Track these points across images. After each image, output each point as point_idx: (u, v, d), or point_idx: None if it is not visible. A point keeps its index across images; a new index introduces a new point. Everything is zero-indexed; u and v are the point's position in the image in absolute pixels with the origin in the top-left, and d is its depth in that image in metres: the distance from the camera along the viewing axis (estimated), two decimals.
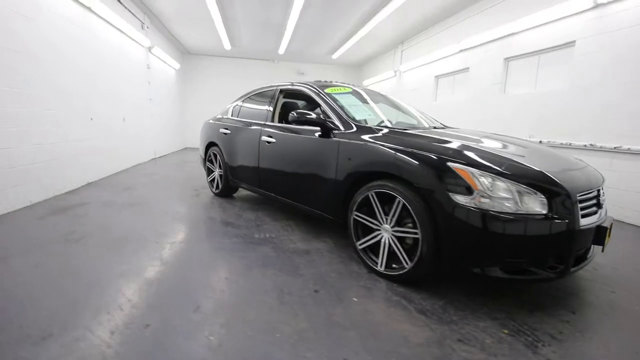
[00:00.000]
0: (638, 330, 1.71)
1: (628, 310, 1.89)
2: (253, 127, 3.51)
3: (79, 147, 4.52)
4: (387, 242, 2.12)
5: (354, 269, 2.29)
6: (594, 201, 1.91)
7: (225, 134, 3.96)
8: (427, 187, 1.86)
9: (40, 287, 1.89)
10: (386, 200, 2.11)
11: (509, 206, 1.67)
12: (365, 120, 2.62)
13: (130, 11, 6.32)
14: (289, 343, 1.48)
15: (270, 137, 3.17)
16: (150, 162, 7.44)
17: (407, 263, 1.99)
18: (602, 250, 1.95)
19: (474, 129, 4.14)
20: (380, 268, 2.15)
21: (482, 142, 2.21)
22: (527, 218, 1.65)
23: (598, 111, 3.97)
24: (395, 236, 2.06)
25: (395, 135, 2.24)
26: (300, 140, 2.84)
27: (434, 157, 1.88)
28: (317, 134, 2.63)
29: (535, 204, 1.68)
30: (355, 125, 2.47)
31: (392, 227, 2.07)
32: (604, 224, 1.81)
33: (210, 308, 1.73)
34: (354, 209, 2.29)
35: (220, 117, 4.35)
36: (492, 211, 1.67)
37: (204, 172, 5.09)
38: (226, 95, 11.55)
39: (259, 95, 3.85)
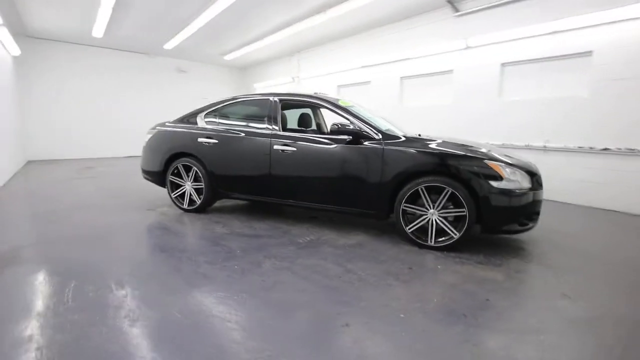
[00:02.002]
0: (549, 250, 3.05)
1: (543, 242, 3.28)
2: (258, 137, 3.48)
3: None
4: (433, 222, 2.83)
5: (409, 248, 2.88)
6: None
7: (209, 144, 3.67)
8: (471, 178, 2.68)
9: None
10: (430, 192, 2.80)
11: (517, 185, 2.67)
12: (388, 130, 3.21)
13: None
14: (434, 301, 1.98)
15: (287, 146, 3.30)
16: None
17: (455, 234, 2.76)
18: None
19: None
20: (431, 242, 2.84)
21: (482, 147, 3.18)
22: (525, 192, 2.70)
23: (468, 120, 5.87)
24: (442, 216, 2.80)
25: (428, 141, 2.96)
26: (330, 149, 3.17)
27: (475, 157, 2.72)
28: (338, 143, 3.07)
29: (526, 183, 2.75)
30: (388, 134, 3.04)
31: (439, 210, 2.80)
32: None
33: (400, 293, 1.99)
34: (403, 201, 2.89)
35: (187, 125, 3.92)
36: (511, 189, 2.64)
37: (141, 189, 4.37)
38: (87, 95, 9.40)
39: (248, 104, 3.79)
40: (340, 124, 3.05)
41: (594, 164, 4.56)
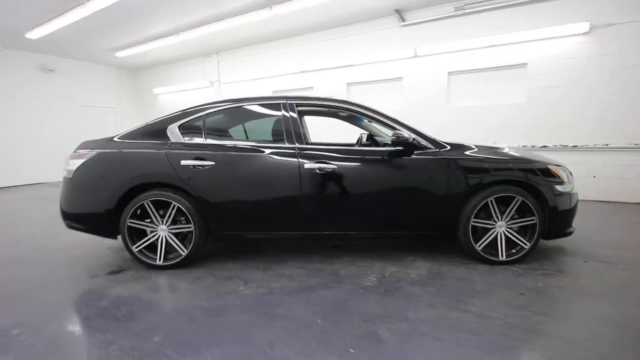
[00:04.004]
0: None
1: None
2: (277, 155, 2.60)
3: None
4: (502, 235, 2.63)
5: (483, 267, 2.58)
6: None
7: (201, 167, 2.56)
8: (540, 184, 2.58)
9: None
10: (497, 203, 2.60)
11: (571, 187, 2.72)
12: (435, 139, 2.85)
13: None
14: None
15: (323, 163, 2.57)
16: None
17: (525, 244, 2.62)
18: None
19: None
20: (503, 257, 2.62)
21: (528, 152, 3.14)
22: (575, 192, 2.77)
23: (419, 125, 6.12)
24: (510, 227, 2.62)
25: (494, 149, 2.77)
26: (381, 164, 2.62)
27: (540, 162, 2.64)
28: (390, 156, 2.62)
29: (574, 183, 2.83)
30: (443, 143, 2.70)
31: (507, 221, 2.61)
32: None
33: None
34: (472, 216, 2.58)
35: (154, 143, 2.66)
36: (569, 192, 2.67)
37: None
38: None
39: (249, 111, 2.84)
40: (399, 135, 2.54)
41: None
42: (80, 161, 2.66)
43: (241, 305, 2.09)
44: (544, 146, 5.16)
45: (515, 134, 5.36)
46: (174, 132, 2.72)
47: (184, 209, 2.57)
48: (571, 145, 5.00)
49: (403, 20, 5.96)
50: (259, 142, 2.76)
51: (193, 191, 2.57)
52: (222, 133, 2.85)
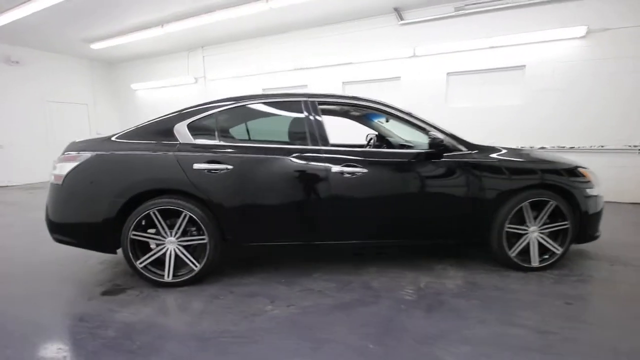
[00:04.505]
0: None
1: None
2: (300, 159, 2.36)
3: None
4: (535, 241, 2.54)
5: (517, 275, 2.47)
6: None
7: (217, 172, 2.27)
8: (572, 187, 2.51)
9: None
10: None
11: (599, 190, 2.67)
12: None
13: None
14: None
15: (354, 167, 2.36)
16: None
17: (557, 249, 2.54)
18: None
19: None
20: (536, 263, 2.53)
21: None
22: (602, 195, 2.73)
23: None
24: (542, 232, 2.54)
25: (520, 151, 2.70)
26: (415, 167, 2.46)
27: (571, 165, 2.58)
28: (420, 159, 2.47)
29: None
30: (474, 144, 2.57)
31: (540, 226, 2.53)
32: None
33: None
34: (507, 222, 2.47)
35: (161, 145, 2.33)
36: (597, 195, 2.62)
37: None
38: None
39: (266, 109, 2.57)
40: (434, 137, 2.38)
41: None
42: (71, 165, 2.30)
43: (275, 329, 1.84)
44: (542, 147, 5.23)
45: (514, 136, 5.38)
46: (182, 132, 2.41)
47: (196, 219, 2.27)
48: (568, 146, 5.09)
49: (402, 18, 5.86)
50: (280, 144, 2.52)
51: (208, 198, 2.28)
52: (236, 133, 2.56)
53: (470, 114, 5.68)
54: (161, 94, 8.93)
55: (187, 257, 2.32)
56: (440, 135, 2.42)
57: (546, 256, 2.56)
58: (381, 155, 2.53)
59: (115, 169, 2.29)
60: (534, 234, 2.52)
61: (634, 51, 4.59)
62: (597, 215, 2.64)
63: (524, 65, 5.25)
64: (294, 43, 6.94)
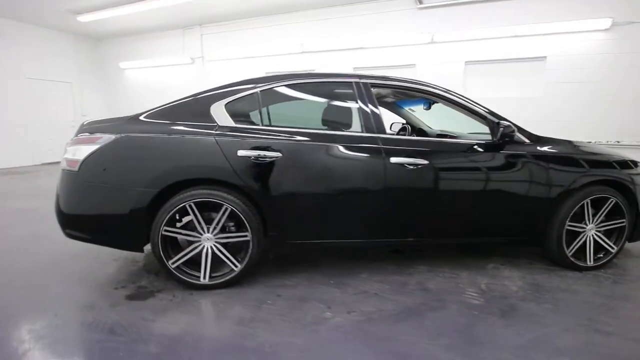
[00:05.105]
0: None
1: None
2: (354, 149, 2.11)
3: None
4: (591, 239, 2.42)
5: (574, 275, 2.35)
6: None
7: (264, 160, 1.99)
8: (633, 184, 2.39)
9: None
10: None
11: None
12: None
13: None
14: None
15: (414, 157, 2.13)
16: None
17: (612, 248, 2.44)
18: None
19: None
20: (591, 262, 2.42)
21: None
22: None
23: (434, 114, 5.90)
24: (600, 230, 2.42)
25: (577, 144, 2.54)
26: (478, 159, 2.27)
27: (634, 161, 2.44)
28: (488, 150, 2.29)
29: None
30: (536, 136, 2.41)
31: (597, 224, 2.41)
32: None
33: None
34: (568, 220, 2.33)
35: (198, 126, 2.02)
36: None
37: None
38: None
39: (313, 92, 2.31)
40: (504, 125, 2.18)
41: None
42: (90, 148, 1.96)
43: (343, 340, 1.62)
44: None
45: (530, 128, 5.29)
46: (220, 113, 2.10)
47: (239, 213, 2.00)
48: (586, 141, 5.04)
49: (420, 2, 5.59)
50: (332, 130, 2.25)
51: (253, 190, 2.01)
52: (281, 116, 2.27)
53: (487, 104, 5.53)
54: (153, 75, 8.33)
55: (226, 256, 2.05)
56: (508, 124, 2.23)
57: (600, 255, 2.46)
58: (442, 146, 2.31)
59: (145, 154, 1.96)
60: (591, 232, 2.40)
61: None
62: None
63: (545, 57, 5.13)
64: (301, 25, 6.56)
